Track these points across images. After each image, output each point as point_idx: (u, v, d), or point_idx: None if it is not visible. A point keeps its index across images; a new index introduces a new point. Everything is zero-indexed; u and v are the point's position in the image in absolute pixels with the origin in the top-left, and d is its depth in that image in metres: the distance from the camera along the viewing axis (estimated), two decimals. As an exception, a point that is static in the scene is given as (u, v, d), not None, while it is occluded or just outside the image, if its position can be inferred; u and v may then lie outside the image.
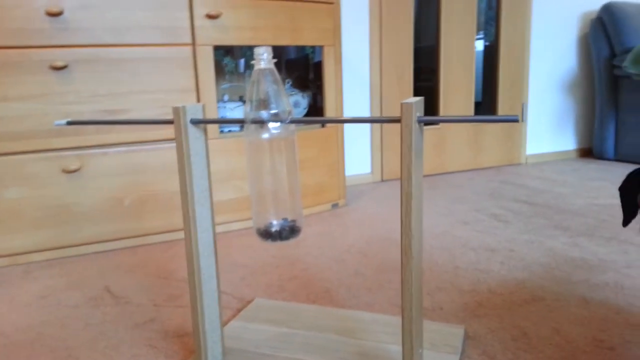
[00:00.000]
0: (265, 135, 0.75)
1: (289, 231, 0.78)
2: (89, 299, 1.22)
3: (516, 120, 0.60)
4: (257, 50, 0.73)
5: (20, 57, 1.41)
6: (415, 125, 0.66)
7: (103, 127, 1.53)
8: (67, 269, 1.43)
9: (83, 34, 1.46)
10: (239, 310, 1.10)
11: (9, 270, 1.44)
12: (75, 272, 1.40)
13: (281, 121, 0.74)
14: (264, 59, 0.74)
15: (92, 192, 1.54)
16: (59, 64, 1.44)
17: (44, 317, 1.12)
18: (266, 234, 0.78)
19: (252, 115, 0.74)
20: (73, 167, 1.50)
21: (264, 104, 0.73)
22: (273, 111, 0.74)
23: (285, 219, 0.78)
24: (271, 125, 0.74)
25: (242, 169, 1.71)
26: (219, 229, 1.73)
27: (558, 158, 2.93)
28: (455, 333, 0.95)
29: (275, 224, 0.77)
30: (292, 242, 0.76)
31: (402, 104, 0.66)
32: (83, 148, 1.51)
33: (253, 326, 1.01)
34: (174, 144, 1.60)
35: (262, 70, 0.74)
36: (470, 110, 2.64)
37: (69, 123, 0.89)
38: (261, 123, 0.74)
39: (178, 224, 1.66)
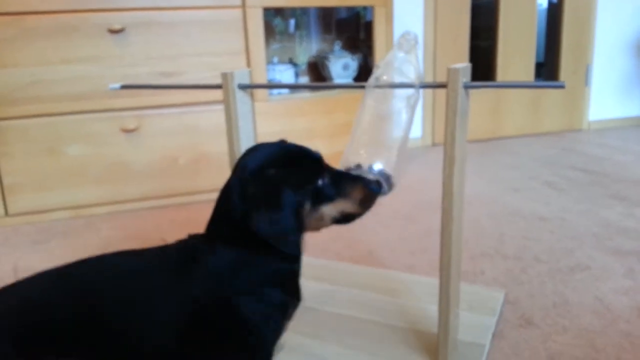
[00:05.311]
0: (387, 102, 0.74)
1: (385, 181, 0.71)
2: (146, 251, 1.30)
3: (562, 87, 0.59)
4: (407, 36, 0.73)
5: (79, 21, 1.47)
6: (461, 91, 0.66)
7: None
8: (126, 222, 1.53)
9: (139, -3, 1.50)
10: (284, 267, 1.14)
11: (73, 222, 1.55)
12: (133, 225, 1.50)
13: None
14: (410, 45, 0.74)
15: (149, 151, 1.61)
16: (116, 27, 1.49)
17: (105, 266, 1.21)
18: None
19: (374, 82, 0.73)
20: (131, 127, 1.57)
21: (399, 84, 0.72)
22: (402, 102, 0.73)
23: (380, 170, 0.71)
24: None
25: (290, 131, 1.74)
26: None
27: (623, 125, 2.77)
28: (494, 297, 0.95)
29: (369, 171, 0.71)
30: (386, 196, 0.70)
31: (448, 69, 0.65)
32: (140, 108, 1.58)
33: (296, 282, 1.05)
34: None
35: (405, 56, 0.74)
36: (530, 72, 2.53)
37: (123, 87, 0.94)
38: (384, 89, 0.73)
39: (229, 183, 1.71)
